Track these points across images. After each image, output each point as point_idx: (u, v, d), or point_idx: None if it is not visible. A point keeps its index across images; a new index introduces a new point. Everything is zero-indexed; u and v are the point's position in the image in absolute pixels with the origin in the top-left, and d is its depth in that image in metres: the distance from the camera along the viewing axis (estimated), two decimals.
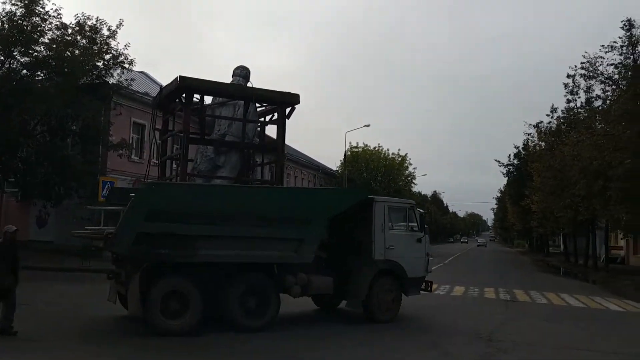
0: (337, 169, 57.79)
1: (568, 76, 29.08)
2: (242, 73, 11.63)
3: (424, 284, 12.38)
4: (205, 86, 10.59)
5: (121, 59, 22.51)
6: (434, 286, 13.95)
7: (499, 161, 52.81)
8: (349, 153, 52.49)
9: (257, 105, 11.51)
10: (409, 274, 11.66)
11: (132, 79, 24.32)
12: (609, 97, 24.41)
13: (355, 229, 11.43)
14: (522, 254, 69.90)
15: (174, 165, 12.45)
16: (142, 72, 32.75)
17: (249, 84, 11.45)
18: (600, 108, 25.56)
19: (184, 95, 10.55)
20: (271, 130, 12.25)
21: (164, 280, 9.07)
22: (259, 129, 11.97)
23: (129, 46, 22.45)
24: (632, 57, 23.26)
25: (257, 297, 9.81)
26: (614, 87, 24.06)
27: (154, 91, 29.91)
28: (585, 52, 24.25)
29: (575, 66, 24.56)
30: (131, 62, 22.79)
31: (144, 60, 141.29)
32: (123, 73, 23.49)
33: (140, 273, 8.85)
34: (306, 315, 12.05)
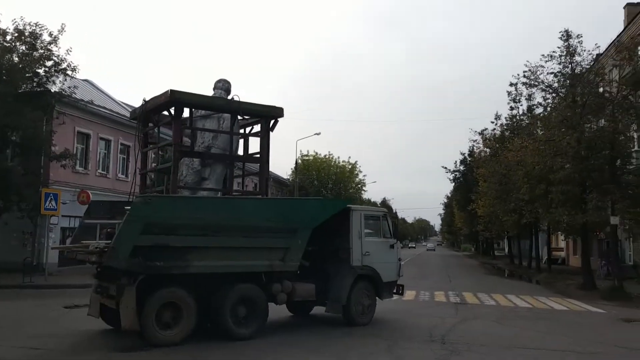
0: (289, 177, 57.79)
1: (511, 84, 30.16)
2: (223, 86, 11.94)
3: (396, 287, 13.10)
4: (195, 100, 10.80)
5: (64, 65, 21.79)
6: None
7: (445, 167, 54.16)
8: (299, 161, 52.62)
9: (239, 117, 11.77)
10: (383, 278, 12.39)
11: (75, 87, 23.55)
12: (549, 105, 25.37)
13: (333, 237, 11.77)
14: (469, 257, 71.66)
15: (152, 177, 12.14)
16: (86, 80, 31.83)
17: (229, 97, 11.61)
18: (541, 115, 26.54)
19: (172, 108, 10.64)
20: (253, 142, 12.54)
21: (158, 292, 9.19)
22: (241, 141, 12.26)
23: (70, 52, 21.73)
24: (570, 66, 24.26)
25: (247, 305, 10.11)
26: (553, 94, 25.00)
27: (99, 99, 29.26)
28: (527, 61, 25.14)
29: (518, 74, 25.41)
30: (74, 69, 22.06)
31: (90, 69, 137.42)
32: (66, 80, 22.73)
33: (136, 286, 8.92)
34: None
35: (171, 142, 10.81)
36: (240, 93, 11.09)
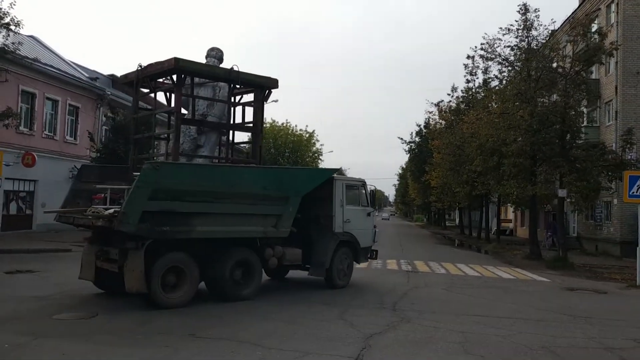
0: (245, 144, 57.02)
1: (468, 57, 30.50)
2: (217, 55, 12.15)
3: (370, 252, 14.05)
4: (197, 68, 10.95)
5: (6, 20, 20.51)
6: None
7: (401, 139, 54.74)
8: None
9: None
10: (361, 244, 13.33)
11: (19, 43, 22.25)
12: (505, 78, 25.71)
13: (316, 205, 12.22)
14: (421, 227, 73.18)
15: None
16: (32, 37, 30.20)
17: (228, 66, 11.66)
18: (496, 88, 26.91)
19: (175, 75, 10.82)
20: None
21: (164, 256, 9.55)
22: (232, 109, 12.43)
23: (14, 5, 20.43)
24: (526, 40, 24.55)
25: (244, 269, 10.72)
26: (509, 68, 25.34)
27: (46, 58, 27.85)
28: (485, 34, 25.31)
29: (476, 47, 25.64)
30: (18, 24, 20.77)
31: (38, 24, 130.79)
32: (9, 36, 21.45)
33: (148, 250, 9.27)
34: None
35: (172, 109, 10.99)
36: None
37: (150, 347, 7.03)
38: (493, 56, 25.59)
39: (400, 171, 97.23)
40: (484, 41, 24.99)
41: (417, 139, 52.28)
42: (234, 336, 7.72)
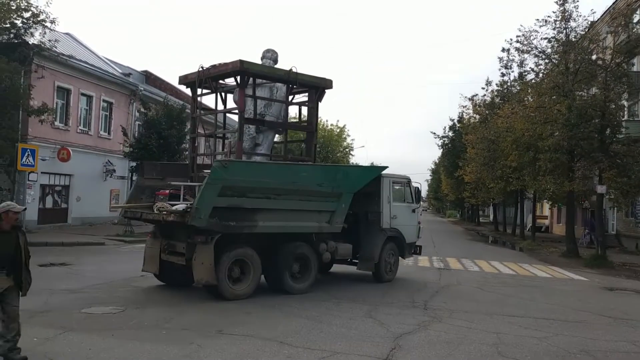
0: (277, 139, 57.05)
1: (503, 50, 29.64)
2: (272, 56, 12.43)
3: (415, 248, 14.44)
4: (260, 70, 11.55)
5: (42, 17, 20.89)
6: None
7: (434, 133, 53.70)
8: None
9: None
10: (407, 239, 13.71)
11: (56, 40, 22.67)
12: (542, 71, 24.96)
13: (364, 201, 12.53)
14: (454, 223, 72.12)
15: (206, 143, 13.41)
16: (67, 34, 30.76)
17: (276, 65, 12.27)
18: (532, 81, 26.14)
19: (239, 77, 11.17)
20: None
21: (230, 250, 10.00)
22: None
23: (50, 3, 20.78)
24: (564, 31, 23.77)
25: (301, 263, 11.18)
26: (546, 60, 24.59)
27: (81, 54, 28.29)
28: (521, 26, 24.67)
29: (511, 39, 24.89)
30: (53, 21, 21.16)
31: (73, 21, 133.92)
32: (45, 33, 21.85)
33: (218, 244, 9.70)
34: None
35: (236, 109, 11.45)
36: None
37: (174, 344, 6.97)
38: (529, 49, 24.84)
39: (433, 166, 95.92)
40: (520, 33, 24.25)
41: (450, 134, 51.37)
42: (260, 334, 7.60)
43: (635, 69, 31.06)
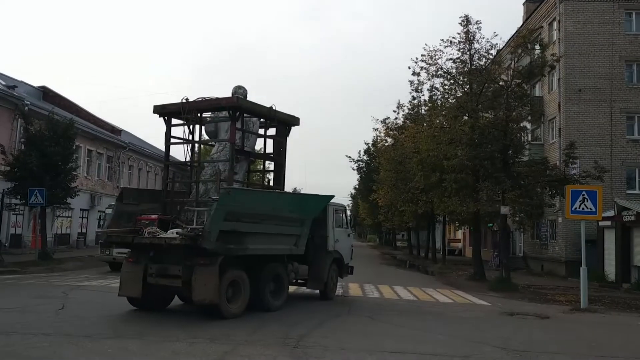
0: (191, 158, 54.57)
1: (414, 74, 29.30)
2: (243, 93, 13.13)
3: (348, 268, 15.79)
4: (249, 106, 12.31)
5: None
6: None
7: (349, 157, 53.47)
8: (203, 147, 49.71)
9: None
10: (345, 261, 15.29)
11: None
12: (447, 91, 24.70)
13: (314, 226, 13.25)
14: (373, 247, 71.93)
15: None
16: None
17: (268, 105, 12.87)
18: (438, 101, 25.88)
19: (231, 112, 11.87)
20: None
21: (227, 272, 10.63)
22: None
23: None
24: (468, 53, 23.67)
25: (276, 282, 12.14)
26: (451, 81, 24.36)
27: None
28: (426, 45, 24.38)
29: (417, 58, 24.47)
30: None
31: None
32: None
33: (220, 266, 10.35)
34: None
35: (227, 140, 12.03)
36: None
37: None
38: (440, 72, 24.51)
39: (353, 192, 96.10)
40: (425, 52, 23.90)
41: (365, 157, 51.16)
42: None
43: (537, 94, 31.91)
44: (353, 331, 10.08)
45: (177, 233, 10.50)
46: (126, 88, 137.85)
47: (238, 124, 12.06)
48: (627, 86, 27.51)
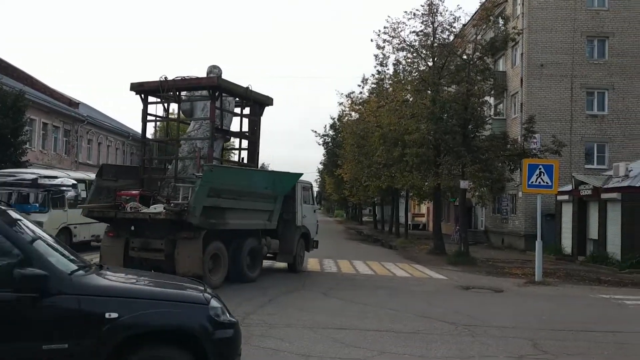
0: (152, 135, 53.42)
1: (378, 47, 28.89)
2: (218, 72, 13.29)
3: (314, 243, 16.40)
4: (229, 86, 12.57)
5: None
6: None
7: (315, 131, 52.96)
8: (152, 116, 48.47)
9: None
10: (311, 236, 15.93)
11: None
12: (409, 64, 24.39)
13: (284, 203, 13.74)
14: (339, 223, 72.14)
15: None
16: None
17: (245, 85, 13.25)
18: (401, 75, 25.59)
19: (211, 91, 12.18)
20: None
21: (209, 245, 11.14)
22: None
23: None
24: (432, 26, 23.35)
25: (252, 255, 12.67)
26: (414, 54, 24.04)
27: None
28: (389, 17, 23.92)
29: (379, 31, 24.03)
30: None
31: None
32: None
33: (203, 239, 10.88)
34: None
35: (207, 119, 12.31)
36: None
37: None
38: (403, 46, 24.15)
39: (321, 166, 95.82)
40: (387, 25, 23.47)
41: (331, 132, 50.74)
42: None
43: (500, 69, 31.93)
44: (303, 308, 9.87)
45: (164, 208, 10.93)
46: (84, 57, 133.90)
47: (217, 103, 12.33)
48: (587, 61, 27.69)
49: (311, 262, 17.61)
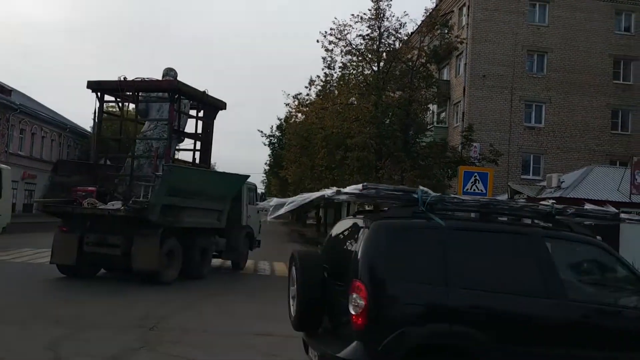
0: (92, 129, 51.30)
1: (326, 50, 28.70)
2: (174, 75, 13.83)
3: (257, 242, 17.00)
4: (187, 89, 12.98)
5: None
6: None
7: (261, 131, 52.40)
8: (105, 114, 46.65)
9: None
10: (255, 235, 16.54)
11: None
12: (354, 68, 24.33)
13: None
14: (284, 225, 71.59)
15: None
16: None
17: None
18: (347, 78, 25.50)
19: (171, 94, 12.66)
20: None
21: (166, 242, 11.43)
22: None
23: None
24: (378, 30, 23.37)
25: (203, 253, 13.02)
26: (360, 58, 24.00)
27: None
28: (335, 19, 23.77)
29: (326, 32, 23.87)
30: None
31: None
32: None
33: (160, 236, 11.16)
34: None
35: (163, 119, 12.80)
36: None
37: None
38: (349, 49, 24.05)
39: (267, 167, 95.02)
40: (334, 26, 23.33)
41: (277, 133, 50.28)
42: None
43: (445, 77, 32.43)
44: (225, 312, 9.43)
45: (123, 205, 11.17)
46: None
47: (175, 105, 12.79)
48: (527, 75, 28.49)
49: (247, 264, 17.14)
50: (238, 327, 8.20)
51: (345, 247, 5.07)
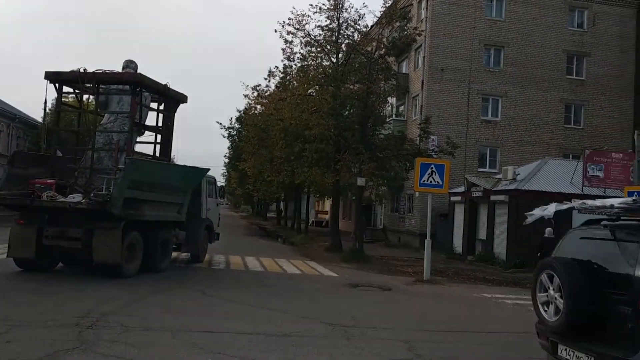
0: (42, 119, 49.42)
1: (285, 41, 28.27)
2: (134, 67, 13.59)
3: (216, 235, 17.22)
4: (149, 82, 12.66)
5: None
6: None
7: (220, 123, 51.57)
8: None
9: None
10: (214, 228, 16.78)
11: None
12: (313, 58, 24.04)
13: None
14: (244, 218, 71.01)
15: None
16: None
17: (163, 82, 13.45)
18: (305, 69, 25.19)
19: (132, 87, 12.39)
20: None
21: (127, 235, 11.34)
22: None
23: None
24: (337, 21, 23.13)
25: (163, 246, 13.04)
26: (318, 49, 23.72)
27: None
28: (293, 8, 23.41)
29: (284, 22, 23.47)
30: None
31: None
32: None
33: (122, 229, 11.14)
34: None
35: (124, 112, 12.64)
36: None
37: None
38: (307, 40, 23.72)
39: (226, 160, 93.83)
40: (292, 16, 22.98)
41: (236, 125, 49.50)
42: None
43: (404, 71, 32.49)
44: (171, 308, 9.05)
45: (84, 198, 11.00)
46: None
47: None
48: (484, 69, 28.79)
49: (206, 258, 16.74)
50: (184, 323, 7.82)
51: (615, 256, 5.22)
